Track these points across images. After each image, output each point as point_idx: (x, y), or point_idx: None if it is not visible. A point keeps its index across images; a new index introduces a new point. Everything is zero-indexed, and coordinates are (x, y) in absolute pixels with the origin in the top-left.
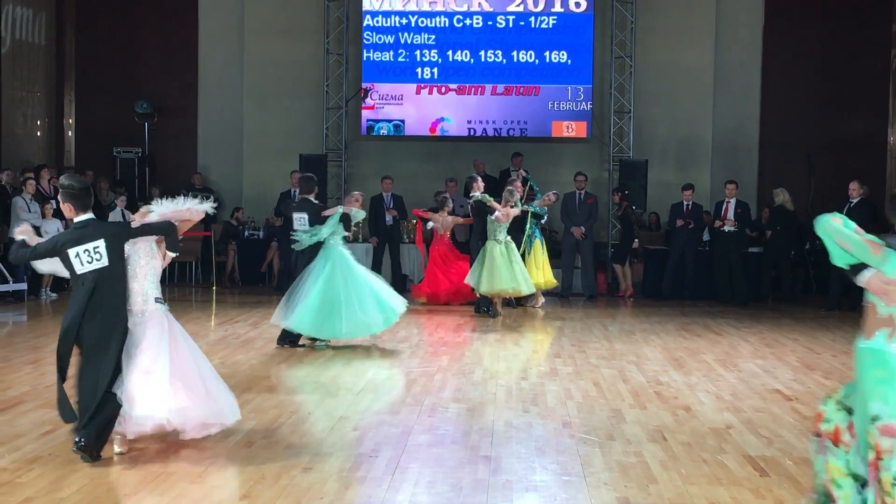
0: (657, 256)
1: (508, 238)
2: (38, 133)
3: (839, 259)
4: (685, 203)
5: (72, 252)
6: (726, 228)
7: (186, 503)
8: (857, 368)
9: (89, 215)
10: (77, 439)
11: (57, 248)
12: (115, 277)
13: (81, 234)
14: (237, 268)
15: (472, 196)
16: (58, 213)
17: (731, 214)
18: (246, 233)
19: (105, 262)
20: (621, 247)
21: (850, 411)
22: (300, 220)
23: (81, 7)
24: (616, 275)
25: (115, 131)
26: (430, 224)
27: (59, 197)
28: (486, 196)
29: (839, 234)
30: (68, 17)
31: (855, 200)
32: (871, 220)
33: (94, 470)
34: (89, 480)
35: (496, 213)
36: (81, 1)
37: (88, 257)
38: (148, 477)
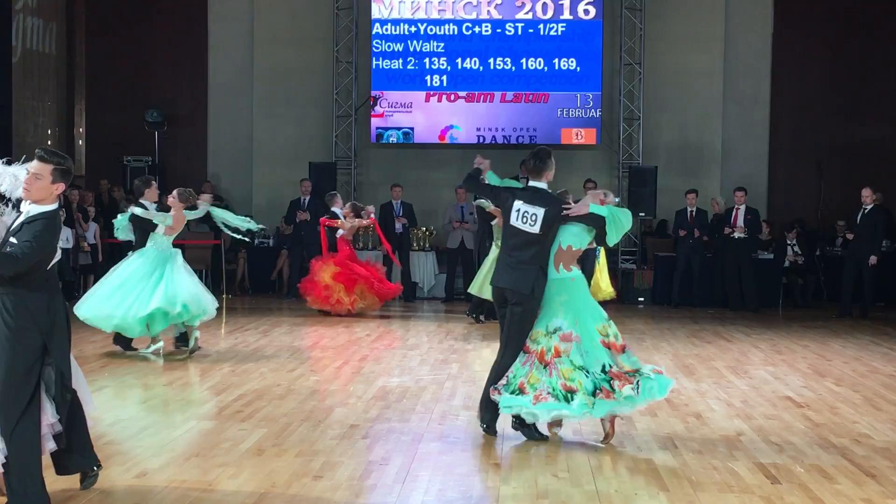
0: (667, 263)
1: None
2: (49, 142)
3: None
4: (689, 209)
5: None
6: (736, 235)
7: None
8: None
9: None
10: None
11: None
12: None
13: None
14: (247, 276)
15: (477, 201)
16: (68, 221)
17: (740, 221)
18: (256, 241)
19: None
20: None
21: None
22: None
23: (92, 16)
24: None
25: (125, 140)
26: (340, 231)
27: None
28: (486, 202)
29: None
30: (78, 26)
31: (869, 207)
32: (887, 225)
33: (102, 481)
34: (98, 487)
35: (495, 218)
36: (92, 10)
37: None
38: (159, 486)
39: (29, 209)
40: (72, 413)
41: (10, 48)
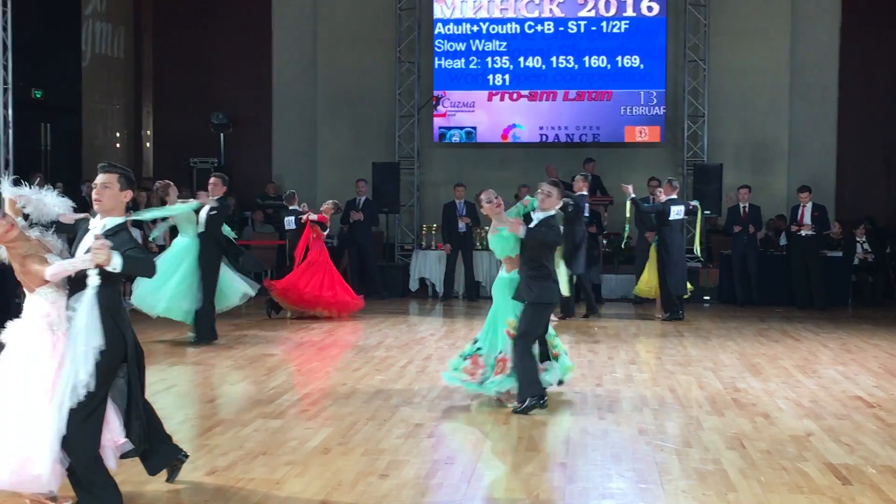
0: (730, 261)
1: None
2: (118, 145)
3: None
4: (741, 206)
5: None
6: (803, 233)
7: None
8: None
9: None
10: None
11: None
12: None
13: None
14: None
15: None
16: (138, 223)
17: (807, 218)
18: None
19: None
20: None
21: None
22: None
23: (158, 21)
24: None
25: (191, 142)
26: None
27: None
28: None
29: None
30: (146, 30)
31: None
32: None
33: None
34: (168, 487)
35: None
36: (158, 15)
37: None
38: (227, 484)
39: (104, 222)
40: (146, 413)
41: (80, 53)
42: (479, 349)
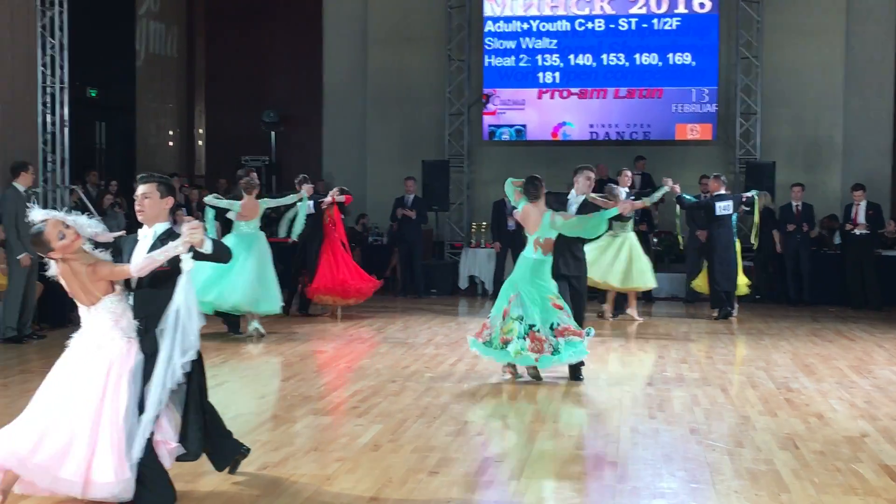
0: (782, 260)
1: (628, 233)
2: (170, 143)
3: None
4: (794, 204)
5: None
6: (857, 232)
7: None
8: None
9: None
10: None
11: None
12: None
13: None
14: None
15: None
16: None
17: (861, 217)
18: (370, 238)
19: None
20: None
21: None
22: None
23: (211, 20)
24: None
25: (243, 140)
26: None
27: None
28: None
29: None
30: (198, 30)
31: None
32: None
33: (224, 473)
34: (221, 482)
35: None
36: (211, 14)
37: None
38: (277, 480)
39: (154, 229)
40: (209, 413)
41: (134, 52)
42: (532, 325)
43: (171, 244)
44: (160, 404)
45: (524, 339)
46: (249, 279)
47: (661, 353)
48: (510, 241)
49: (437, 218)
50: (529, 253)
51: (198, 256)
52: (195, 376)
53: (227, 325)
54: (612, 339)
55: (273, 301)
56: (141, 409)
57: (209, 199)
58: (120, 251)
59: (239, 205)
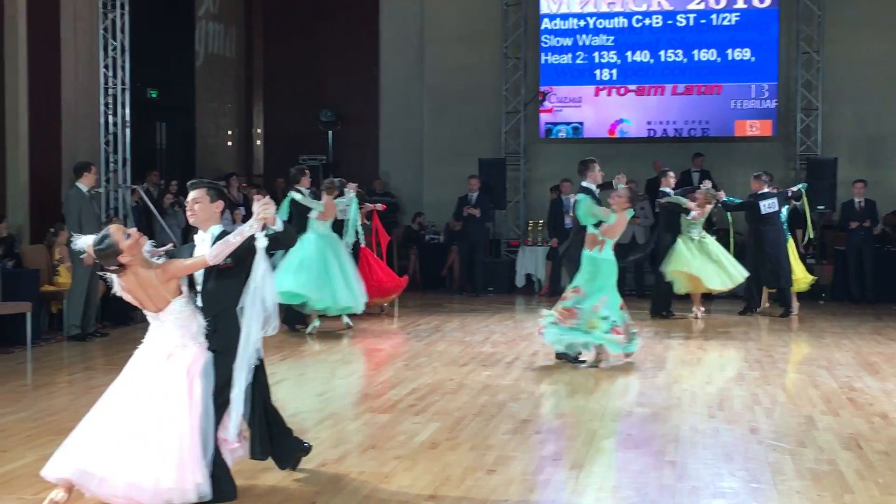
0: (845, 257)
1: (704, 233)
2: (229, 143)
3: None
4: (857, 200)
5: None
6: None
7: (374, 503)
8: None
9: None
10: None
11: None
12: None
13: None
14: (419, 272)
15: (664, 192)
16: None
17: None
18: (427, 237)
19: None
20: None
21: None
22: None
23: (269, 20)
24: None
25: (300, 139)
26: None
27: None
28: (680, 198)
29: None
30: (257, 30)
31: None
32: None
33: (280, 472)
34: (280, 478)
35: (692, 212)
36: (269, 15)
37: None
38: (335, 478)
39: (210, 232)
40: (271, 413)
41: (193, 53)
42: (614, 321)
43: (244, 225)
44: (247, 382)
45: (609, 333)
46: (339, 280)
47: (720, 352)
48: (567, 238)
49: (494, 216)
50: (609, 255)
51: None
52: (259, 378)
53: (286, 324)
54: (671, 338)
55: (357, 298)
56: (218, 399)
57: (297, 196)
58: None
59: (322, 204)
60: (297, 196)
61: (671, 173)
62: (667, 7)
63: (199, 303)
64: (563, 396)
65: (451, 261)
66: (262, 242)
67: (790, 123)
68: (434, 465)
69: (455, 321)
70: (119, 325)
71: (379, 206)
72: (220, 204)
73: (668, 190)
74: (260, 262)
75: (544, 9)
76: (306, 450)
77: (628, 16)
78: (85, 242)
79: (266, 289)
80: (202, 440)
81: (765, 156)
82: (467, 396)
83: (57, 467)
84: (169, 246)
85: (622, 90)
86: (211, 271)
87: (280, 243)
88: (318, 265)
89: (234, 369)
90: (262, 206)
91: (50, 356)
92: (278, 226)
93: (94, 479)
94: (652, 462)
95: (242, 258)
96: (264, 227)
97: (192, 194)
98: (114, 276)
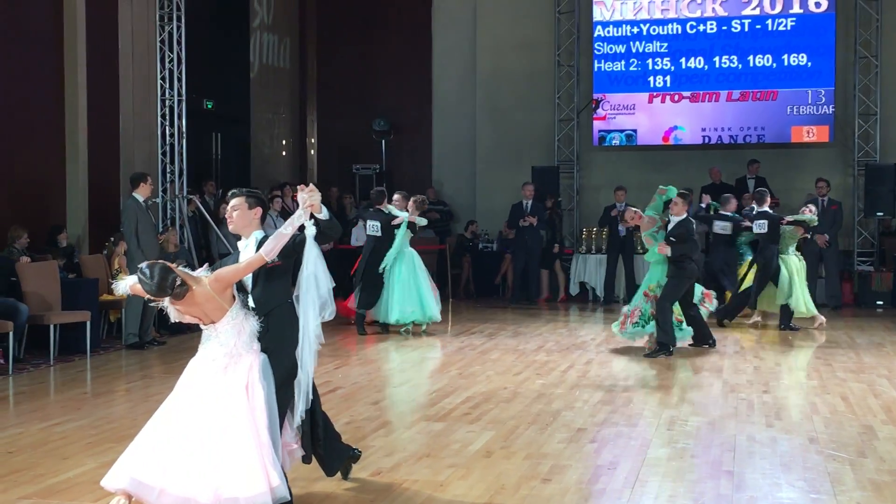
0: None
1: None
2: (284, 153)
3: None
4: None
5: None
6: None
7: None
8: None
9: None
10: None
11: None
12: None
13: None
14: (472, 280)
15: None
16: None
17: None
18: (480, 245)
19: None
20: (546, 251)
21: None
22: (373, 227)
23: (322, 31)
24: (540, 280)
25: (354, 149)
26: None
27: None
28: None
29: None
30: (310, 41)
31: None
32: None
33: (337, 477)
34: (336, 487)
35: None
36: (322, 25)
37: None
38: (390, 486)
39: (254, 236)
40: (317, 416)
41: (248, 64)
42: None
43: (292, 216)
44: (312, 366)
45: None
46: (408, 291)
47: (777, 361)
48: (621, 246)
49: (560, 221)
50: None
51: (316, 237)
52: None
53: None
54: (727, 347)
55: (432, 307)
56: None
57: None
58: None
59: (407, 215)
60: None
61: (706, 196)
62: (721, 13)
63: (251, 304)
64: (618, 405)
65: (505, 269)
66: (310, 230)
67: (848, 129)
68: (489, 474)
69: (509, 329)
70: (176, 333)
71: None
72: (259, 210)
73: (729, 214)
74: (311, 250)
75: (597, 16)
76: (355, 457)
77: (682, 22)
78: (129, 283)
79: (319, 275)
80: (272, 443)
81: (822, 162)
82: (521, 405)
83: (115, 478)
84: (205, 267)
85: (676, 97)
86: (259, 272)
87: (327, 235)
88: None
89: (297, 358)
90: (308, 194)
91: (109, 364)
92: (324, 214)
93: (153, 491)
94: (708, 472)
95: (288, 254)
96: (312, 217)
97: (231, 202)
98: (168, 305)
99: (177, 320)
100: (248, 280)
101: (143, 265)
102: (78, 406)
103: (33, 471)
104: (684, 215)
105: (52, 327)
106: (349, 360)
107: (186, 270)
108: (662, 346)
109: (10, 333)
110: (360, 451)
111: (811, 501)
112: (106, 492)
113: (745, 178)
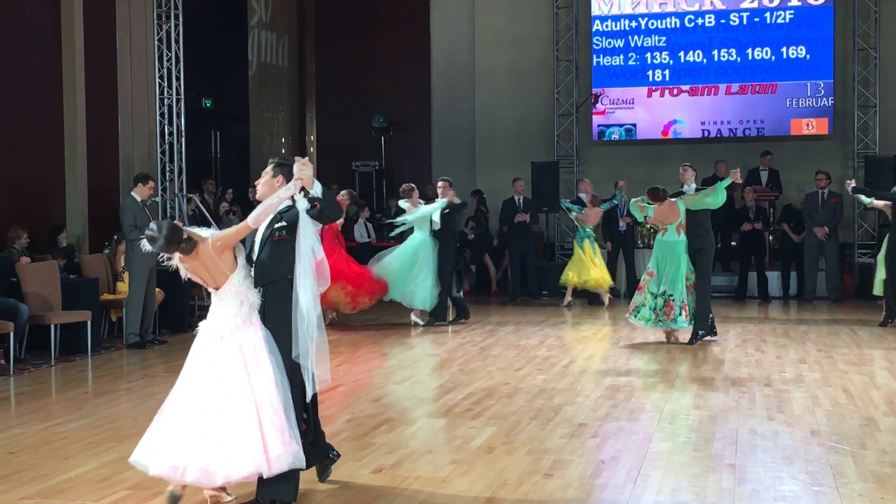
0: None
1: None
2: (283, 150)
3: None
4: None
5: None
6: None
7: None
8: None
9: None
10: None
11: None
12: None
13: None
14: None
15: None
16: None
17: None
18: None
19: None
20: (474, 243)
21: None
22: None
23: (320, 29)
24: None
25: (353, 146)
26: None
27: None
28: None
29: None
30: (308, 39)
31: None
32: None
33: (340, 475)
34: (338, 484)
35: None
36: (320, 23)
37: None
38: (393, 482)
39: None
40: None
41: (246, 62)
42: (670, 295)
43: (282, 189)
44: (314, 333)
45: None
46: (424, 278)
47: (778, 353)
48: (622, 241)
49: (548, 219)
50: (673, 237)
51: (310, 212)
52: (298, 381)
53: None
54: (728, 340)
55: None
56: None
57: (402, 203)
58: (243, 241)
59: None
60: (402, 202)
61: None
62: (719, 6)
63: (252, 273)
64: (619, 399)
65: (506, 265)
66: (301, 204)
67: (847, 121)
68: (491, 470)
69: (510, 325)
70: (176, 332)
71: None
72: (281, 179)
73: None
74: (306, 226)
75: (595, 10)
76: (334, 458)
77: (680, 16)
78: (147, 244)
79: (317, 249)
80: (283, 412)
81: (822, 154)
82: (523, 400)
83: (152, 464)
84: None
85: (675, 91)
86: (265, 243)
87: (325, 213)
88: (407, 269)
89: (293, 337)
90: (300, 167)
91: (110, 364)
92: (317, 189)
93: (178, 470)
94: (711, 465)
95: (293, 230)
96: (305, 192)
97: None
98: (178, 261)
99: (186, 278)
100: (257, 249)
101: (152, 223)
102: (79, 406)
103: (35, 471)
104: (694, 184)
105: (52, 327)
106: (350, 358)
107: (194, 229)
108: (698, 333)
109: (11, 334)
110: (339, 453)
111: (813, 494)
112: (109, 490)
113: (758, 170)
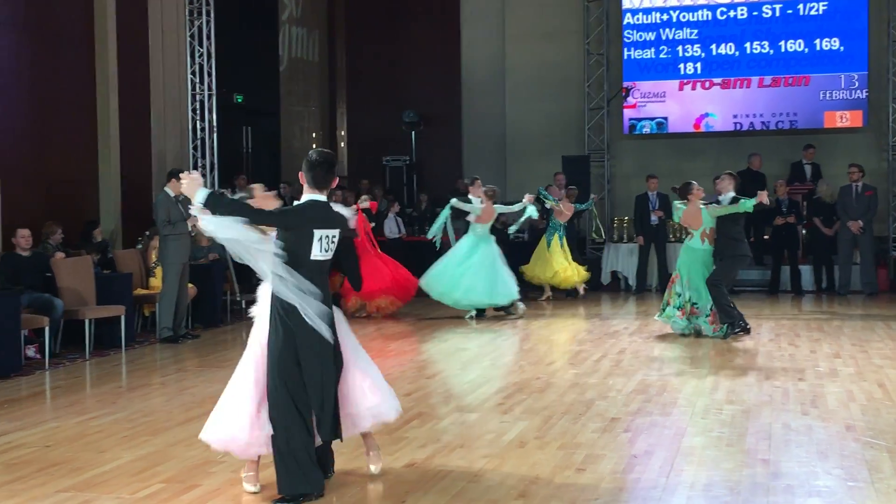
0: None
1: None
2: (314, 145)
3: None
4: None
5: (317, 233)
6: None
7: (464, 502)
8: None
9: (323, 197)
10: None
11: (302, 221)
12: (327, 273)
13: (328, 217)
14: None
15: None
16: None
17: None
18: (511, 236)
19: (331, 255)
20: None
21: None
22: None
23: (351, 24)
24: None
25: (384, 141)
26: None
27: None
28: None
29: None
30: (339, 34)
31: None
32: None
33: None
34: (370, 476)
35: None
36: (351, 18)
37: (327, 245)
38: (426, 475)
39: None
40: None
41: (277, 57)
42: (694, 303)
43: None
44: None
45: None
46: (480, 277)
47: (812, 348)
48: (654, 235)
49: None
50: (696, 244)
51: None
52: (333, 362)
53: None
54: (762, 334)
55: (506, 293)
56: None
57: (454, 201)
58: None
59: (480, 209)
60: (455, 201)
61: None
62: None
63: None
64: (651, 394)
65: None
66: (199, 218)
67: (882, 113)
68: (523, 464)
69: (541, 319)
70: (209, 327)
71: (366, 204)
72: (300, 176)
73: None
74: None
75: (626, 3)
76: (328, 475)
77: (712, 8)
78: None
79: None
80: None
81: (856, 147)
82: (555, 395)
83: (223, 441)
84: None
85: (707, 84)
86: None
87: (216, 211)
88: (460, 268)
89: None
90: (183, 181)
91: (143, 358)
92: (198, 199)
93: (240, 443)
94: (744, 460)
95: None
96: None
97: None
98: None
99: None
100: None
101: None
102: (114, 400)
103: (71, 464)
104: (732, 193)
105: (87, 322)
106: (382, 352)
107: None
108: (730, 326)
109: (46, 328)
110: (332, 474)
111: (848, 489)
112: (144, 483)
113: (802, 164)
